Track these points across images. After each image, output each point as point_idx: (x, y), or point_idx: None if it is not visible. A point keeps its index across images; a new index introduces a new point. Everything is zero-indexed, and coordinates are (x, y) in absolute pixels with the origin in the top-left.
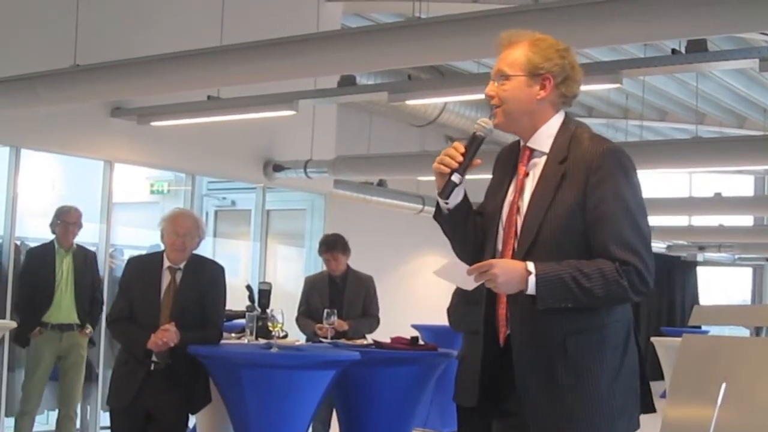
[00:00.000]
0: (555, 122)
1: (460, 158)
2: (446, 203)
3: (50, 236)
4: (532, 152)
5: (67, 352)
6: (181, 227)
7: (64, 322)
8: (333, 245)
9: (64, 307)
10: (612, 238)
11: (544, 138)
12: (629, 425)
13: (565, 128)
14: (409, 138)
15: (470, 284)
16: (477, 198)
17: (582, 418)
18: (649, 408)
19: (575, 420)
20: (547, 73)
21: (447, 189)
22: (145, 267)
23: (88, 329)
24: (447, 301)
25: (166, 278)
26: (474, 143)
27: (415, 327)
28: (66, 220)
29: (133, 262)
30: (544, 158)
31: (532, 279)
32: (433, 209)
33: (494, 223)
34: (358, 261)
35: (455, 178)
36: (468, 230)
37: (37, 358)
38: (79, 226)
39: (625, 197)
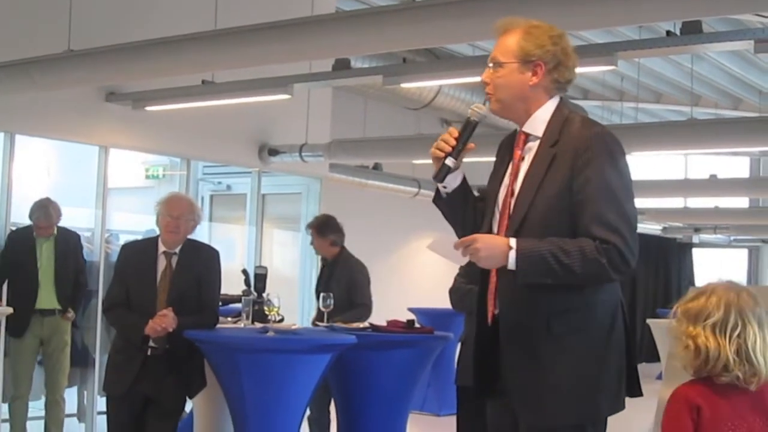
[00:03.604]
0: (549, 107)
1: (454, 142)
2: (444, 187)
3: None
4: (528, 137)
5: (49, 337)
6: (175, 209)
7: (45, 308)
8: (310, 225)
9: (44, 293)
10: (594, 218)
11: (538, 123)
12: (614, 405)
13: (559, 113)
14: (405, 121)
15: (459, 258)
16: (475, 180)
17: (568, 397)
18: (635, 391)
19: (558, 398)
20: (538, 59)
21: (441, 173)
22: (140, 252)
23: (70, 314)
24: (443, 284)
25: (161, 263)
26: (467, 128)
27: (412, 310)
28: (36, 224)
29: (127, 247)
30: (538, 142)
31: (512, 254)
32: (429, 193)
33: (491, 206)
34: (353, 244)
35: (449, 161)
36: (467, 214)
37: (20, 342)
38: (56, 220)
39: (609, 179)
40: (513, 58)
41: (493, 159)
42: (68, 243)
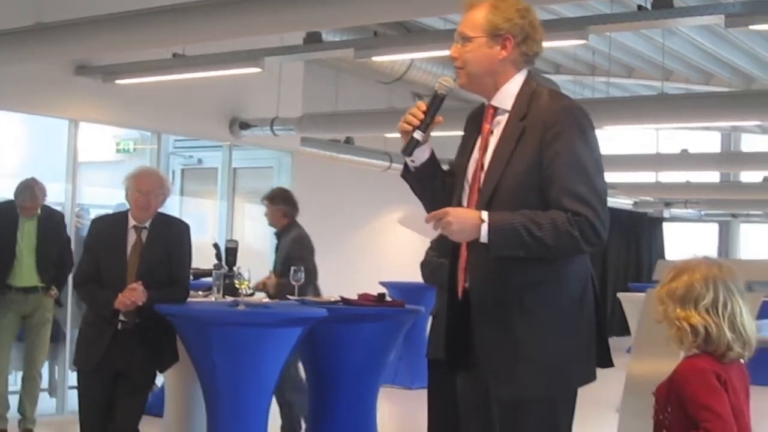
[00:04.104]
0: (517, 81)
1: (422, 116)
2: (412, 161)
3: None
4: (496, 110)
5: (31, 313)
6: (145, 185)
7: (28, 285)
8: (264, 196)
9: (25, 271)
10: (564, 190)
11: (507, 96)
12: (585, 376)
13: (527, 86)
14: (377, 95)
15: (432, 232)
16: (444, 154)
17: (540, 369)
18: (606, 362)
19: (530, 371)
20: (507, 33)
21: (410, 146)
22: (110, 227)
23: (53, 291)
24: (415, 257)
25: (131, 237)
26: (435, 101)
27: (383, 284)
28: (21, 205)
29: (97, 222)
30: (506, 116)
31: (484, 227)
32: (401, 167)
33: (460, 180)
34: (325, 218)
35: (417, 135)
36: (436, 188)
37: (2, 317)
38: (41, 200)
39: (578, 153)
40: (481, 32)
41: (462, 133)
42: (52, 221)
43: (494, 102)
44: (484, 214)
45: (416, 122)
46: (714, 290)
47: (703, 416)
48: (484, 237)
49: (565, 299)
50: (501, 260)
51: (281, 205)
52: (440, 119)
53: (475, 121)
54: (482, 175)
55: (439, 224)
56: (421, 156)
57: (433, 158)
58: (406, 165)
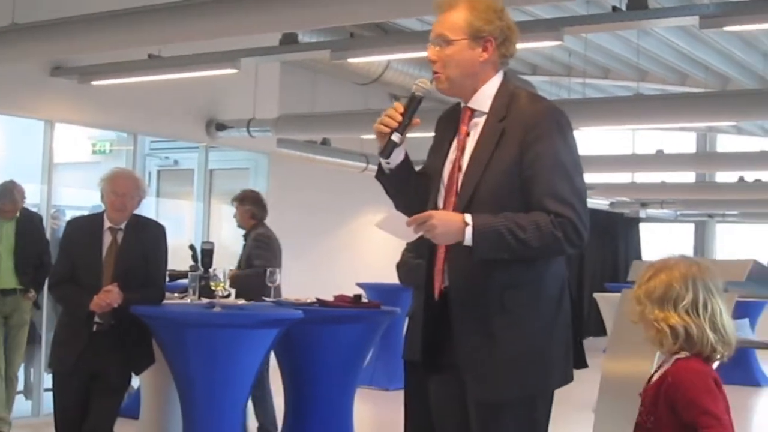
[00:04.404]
0: (495, 82)
1: (400, 118)
2: (388, 163)
3: None
4: (473, 112)
5: (9, 314)
6: (121, 187)
7: (6, 287)
8: (233, 198)
9: (4, 273)
10: (546, 192)
11: (485, 98)
12: (563, 377)
13: (504, 88)
14: (353, 96)
15: (410, 236)
16: (417, 155)
17: (519, 370)
18: (581, 363)
19: (512, 372)
20: (488, 35)
21: (387, 148)
22: (85, 228)
23: (31, 293)
24: (392, 259)
25: (107, 239)
26: (412, 103)
27: (360, 285)
28: (1, 207)
29: (73, 223)
30: (484, 118)
31: (468, 230)
32: (377, 168)
33: (436, 182)
34: (301, 219)
35: (395, 137)
36: (410, 189)
37: None
38: (21, 203)
39: (559, 155)
40: (463, 34)
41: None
42: (31, 224)
43: (472, 104)
44: (468, 217)
45: (394, 124)
46: (693, 290)
47: (704, 421)
48: (468, 240)
49: (544, 300)
50: (482, 262)
51: (249, 206)
52: (418, 121)
53: (448, 122)
54: (460, 177)
55: (423, 227)
56: (396, 158)
57: (407, 159)
58: (380, 167)
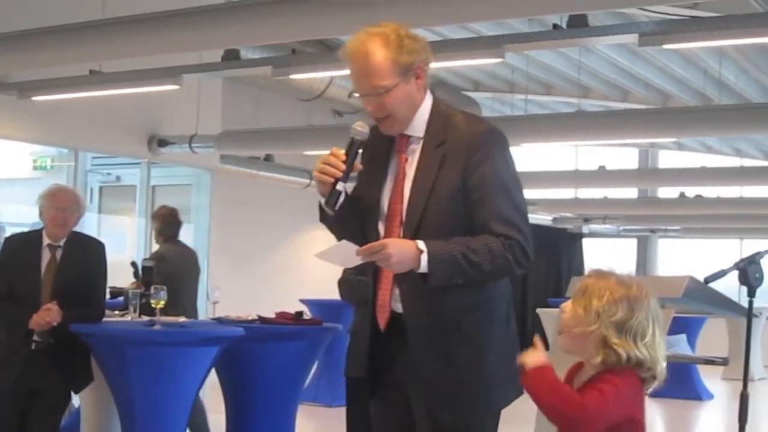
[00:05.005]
0: (426, 105)
1: (343, 167)
2: (332, 211)
3: None
4: (409, 138)
5: None
6: (62, 201)
7: None
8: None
9: None
10: (493, 215)
11: (419, 124)
12: (515, 392)
13: (437, 109)
14: (296, 112)
15: (354, 263)
16: None
17: (477, 390)
18: None
19: (474, 394)
20: (418, 63)
21: (333, 198)
22: (23, 245)
23: None
24: (336, 275)
25: (46, 256)
26: (353, 148)
27: (303, 302)
28: None
29: (10, 240)
30: (420, 143)
31: (424, 257)
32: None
33: (374, 211)
34: (245, 236)
35: (340, 186)
36: (355, 223)
37: None
38: None
39: (503, 176)
40: (396, 76)
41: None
42: None
43: (408, 131)
44: (421, 244)
45: (338, 173)
46: (652, 324)
47: (590, 392)
48: (424, 267)
49: (496, 321)
50: (436, 286)
51: (157, 224)
52: (359, 165)
53: (376, 148)
54: (404, 206)
55: (377, 256)
56: (339, 199)
57: (347, 196)
58: (322, 210)
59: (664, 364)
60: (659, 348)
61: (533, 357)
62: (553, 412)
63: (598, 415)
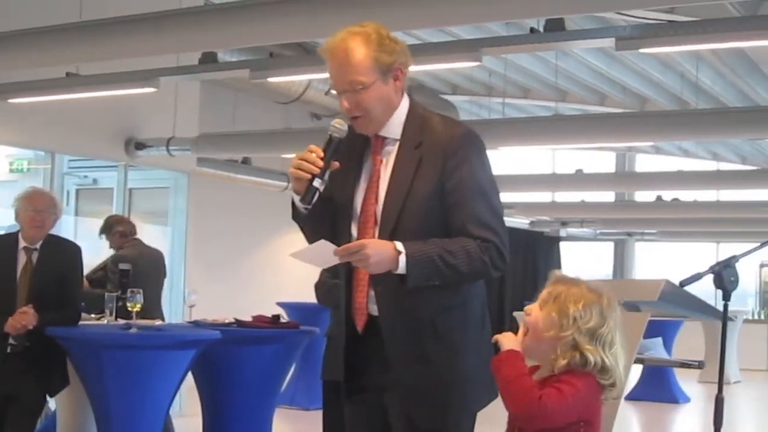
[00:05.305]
0: (403, 107)
1: (321, 163)
2: (306, 208)
3: None
4: (384, 140)
5: None
6: (39, 203)
7: None
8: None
9: None
10: (470, 218)
11: (395, 125)
12: (490, 394)
13: (414, 112)
14: (274, 115)
15: (330, 263)
16: None
17: (453, 392)
18: None
19: (452, 396)
20: (398, 64)
21: (309, 195)
22: None
23: None
24: (313, 278)
25: (21, 259)
26: (331, 146)
27: (281, 305)
28: None
29: None
30: (396, 145)
31: (402, 258)
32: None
33: (347, 212)
34: (223, 239)
35: (317, 183)
36: (327, 223)
37: None
38: None
39: (480, 179)
40: (374, 74)
41: None
42: None
43: (383, 132)
44: (399, 245)
45: (315, 170)
46: (618, 333)
47: (550, 390)
48: (402, 269)
49: (472, 322)
50: (413, 288)
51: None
52: (337, 164)
53: (349, 149)
54: (378, 208)
55: (355, 257)
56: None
57: (320, 194)
58: (295, 208)
59: (622, 372)
60: (620, 357)
61: (510, 340)
62: (512, 400)
63: (553, 413)
